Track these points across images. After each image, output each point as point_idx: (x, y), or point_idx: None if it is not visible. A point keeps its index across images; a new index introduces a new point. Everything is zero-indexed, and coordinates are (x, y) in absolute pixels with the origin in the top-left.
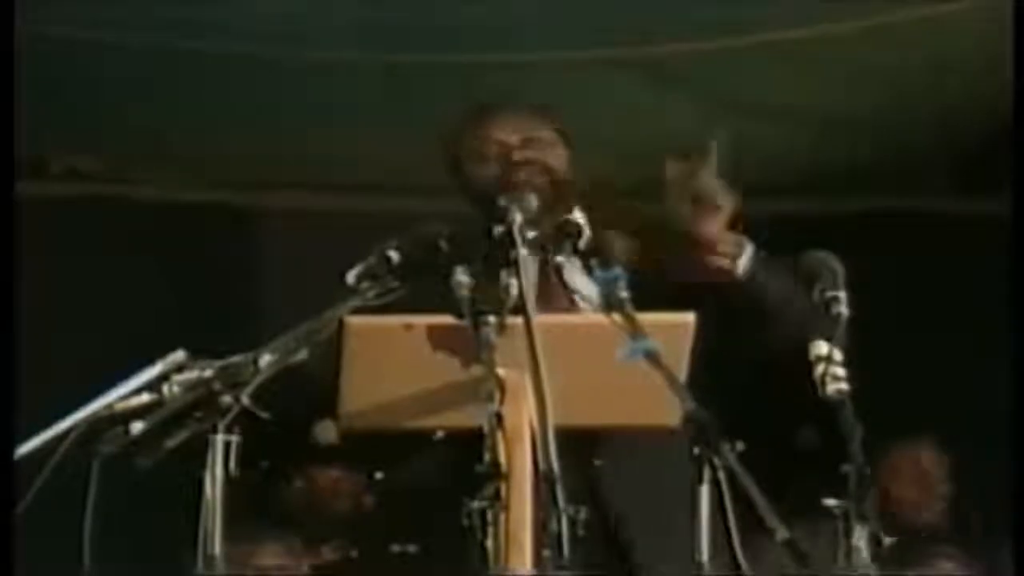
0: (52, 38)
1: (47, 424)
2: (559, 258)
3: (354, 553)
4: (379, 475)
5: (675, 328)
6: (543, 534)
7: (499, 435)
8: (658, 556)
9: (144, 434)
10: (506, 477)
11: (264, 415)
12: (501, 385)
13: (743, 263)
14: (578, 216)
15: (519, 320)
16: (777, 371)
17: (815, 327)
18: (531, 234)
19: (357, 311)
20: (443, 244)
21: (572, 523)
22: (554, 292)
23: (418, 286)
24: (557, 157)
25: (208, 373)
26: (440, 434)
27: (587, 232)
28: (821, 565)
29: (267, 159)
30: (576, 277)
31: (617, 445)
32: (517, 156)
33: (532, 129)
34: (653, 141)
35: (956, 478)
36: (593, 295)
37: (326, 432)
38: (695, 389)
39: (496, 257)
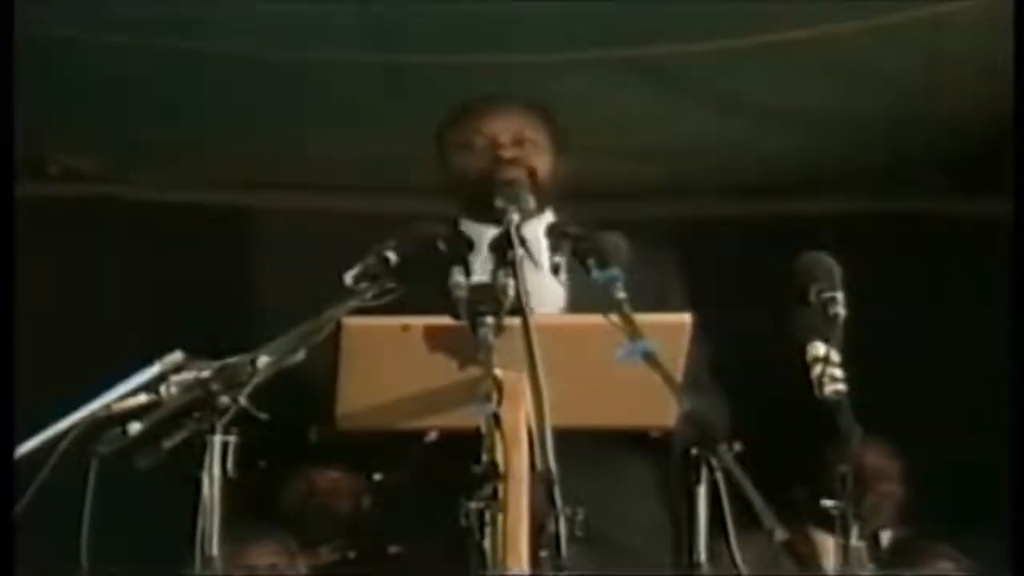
0: (52, 38)
1: (47, 424)
2: (557, 258)
3: (352, 553)
4: (377, 476)
5: (672, 328)
6: (540, 535)
7: (497, 436)
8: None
9: (142, 434)
10: (504, 478)
11: (262, 416)
12: (499, 386)
13: None
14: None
15: (517, 321)
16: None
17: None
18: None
19: (355, 312)
20: (441, 244)
21: (570, 524)
22: None
23: (416, 287)
24: (543, 162)
25: (206, 374)
26: (436, 434)
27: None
28: None
29: (267, 159)
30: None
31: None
32: (505, 154)
33: (524, 129)
34: (653, 141)
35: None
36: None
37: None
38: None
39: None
